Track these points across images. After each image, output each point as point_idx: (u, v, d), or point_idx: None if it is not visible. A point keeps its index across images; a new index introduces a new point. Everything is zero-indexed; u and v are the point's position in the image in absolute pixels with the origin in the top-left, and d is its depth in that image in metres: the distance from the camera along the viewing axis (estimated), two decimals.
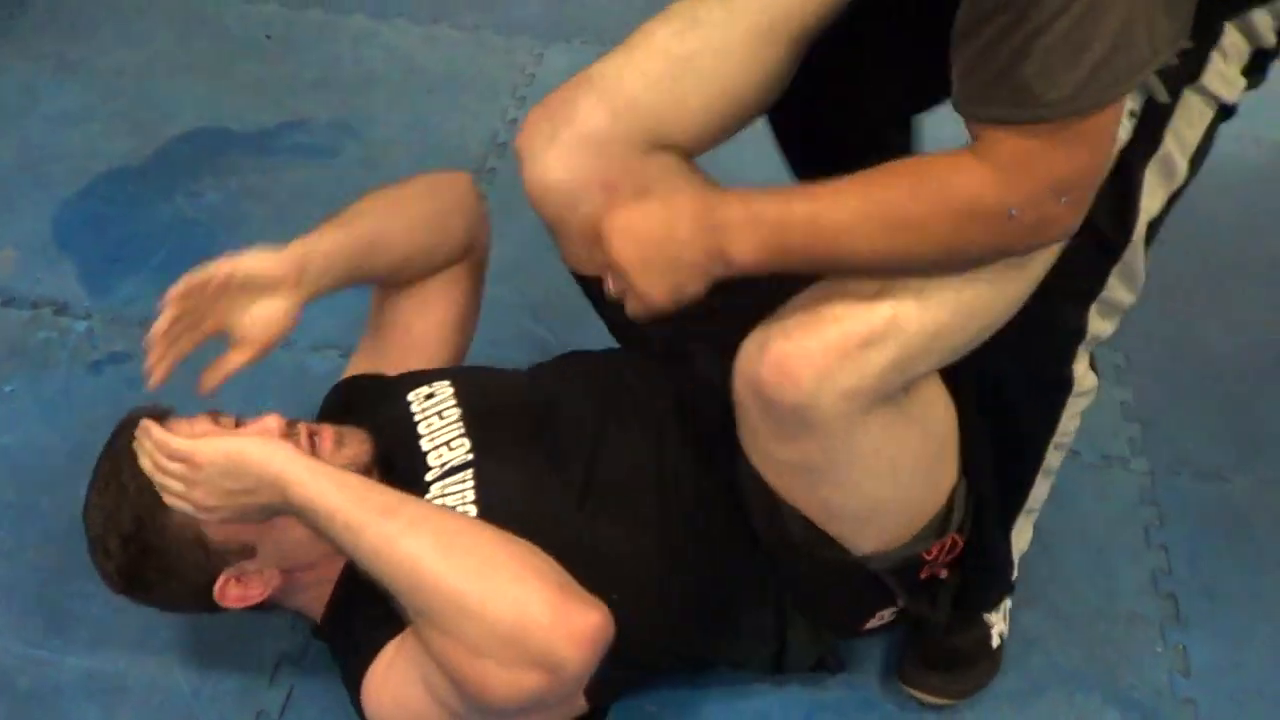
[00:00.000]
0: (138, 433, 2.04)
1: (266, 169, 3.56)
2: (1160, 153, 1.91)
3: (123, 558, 2.10)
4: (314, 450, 2.08)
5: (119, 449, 2.11)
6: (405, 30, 4.12)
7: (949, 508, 2.18)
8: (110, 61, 3.93)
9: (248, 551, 2.10)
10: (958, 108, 1.64)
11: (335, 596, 2.21)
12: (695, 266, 1.86)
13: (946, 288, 1.80)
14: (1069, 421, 2.23)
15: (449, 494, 2.16)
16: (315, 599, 2.22)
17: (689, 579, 2.19)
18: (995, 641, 2.47)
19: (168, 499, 2.00)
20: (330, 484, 1.94)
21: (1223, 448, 2.98)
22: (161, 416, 2.10)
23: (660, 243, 1.86)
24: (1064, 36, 1.49)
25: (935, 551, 2.19)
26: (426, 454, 2.23)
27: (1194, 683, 2.53)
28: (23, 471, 2.75)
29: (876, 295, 1.80)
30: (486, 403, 2.31)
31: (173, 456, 1.97)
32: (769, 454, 2.01)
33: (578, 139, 2.17)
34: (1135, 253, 2.00)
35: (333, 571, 2.19)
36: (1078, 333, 2.06)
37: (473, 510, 2.12)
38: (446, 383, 2.35)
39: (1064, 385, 2.16)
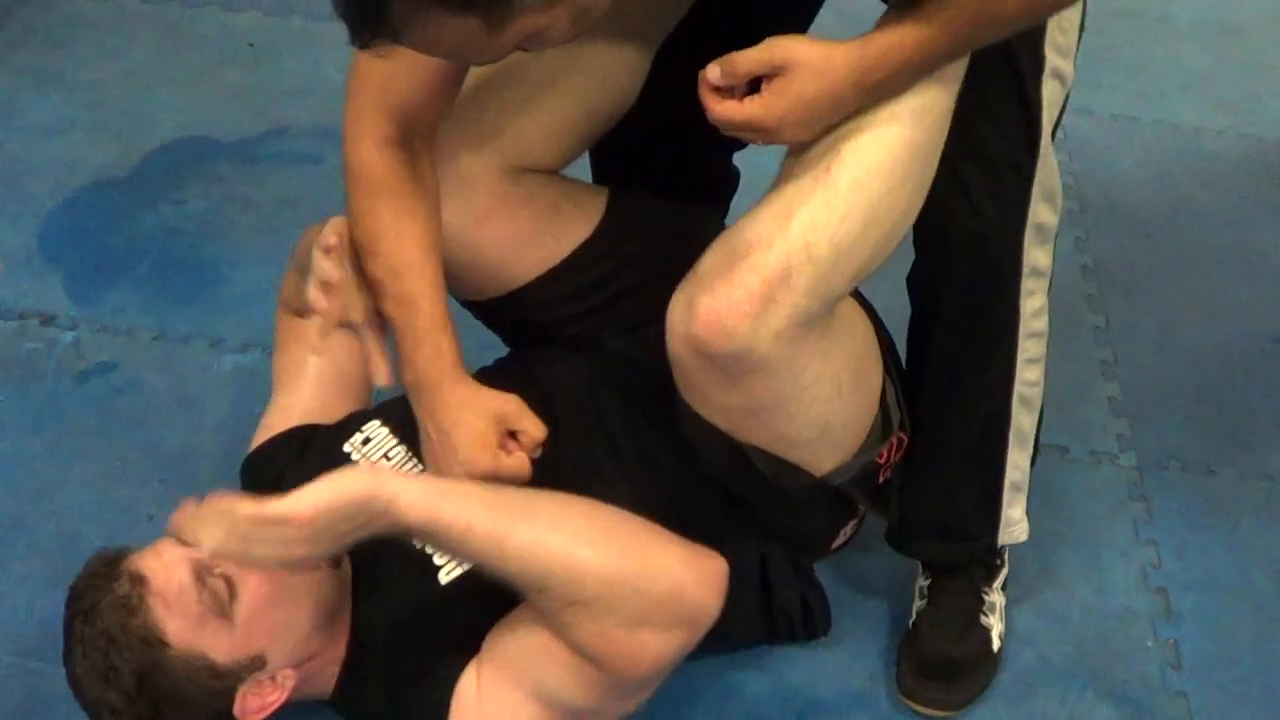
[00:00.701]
0: (206, 514, 1.85)
1: (250, 177, 3.56)
2: (1048, 67, 2.00)
3: (132, 712, 1.97)
4: None
5: (93, 606, 1.96)
6: None
7: (885, 409, 2.23)
8: (90, 73, 3.92)
9: (258, 662, 2.01)
10: None
11: (349, 666, 2.16)
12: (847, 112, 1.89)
13: (846, 200, 1.85)
14: (1028, 369, 2.26)
15: None
16: (326, 679, 2.16)
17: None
18: (996, 644, 2.47)
19: (263, 565, 1.91)
20: (452, 500, 1.90)
21: (1211, 441, 2.98)
22: (117, 557, 2.00)
23: (830, 113, 1.85)
24: None
25: (886, 454, 2.25)
26: None
27: (1186, 676, 2.54)
28: (11, 482, 2.74)
29: (782, 228, 1.84)
30: None
31: (264, 523, 1.83)
32: (719, 405, 2.01)
33: (444, 182, 2.20)
34: (1048, 169, 2.09)
35: (340, 648, 2.15)
36: (1016, 262, 2.13)
37: None
38: (376, 422, 2.32)
39: (1012, 321, 2.20)
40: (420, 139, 2.11)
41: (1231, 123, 4.00)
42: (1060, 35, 2.00)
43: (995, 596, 2.50)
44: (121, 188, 3.51)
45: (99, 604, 1.95)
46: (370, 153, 2.09)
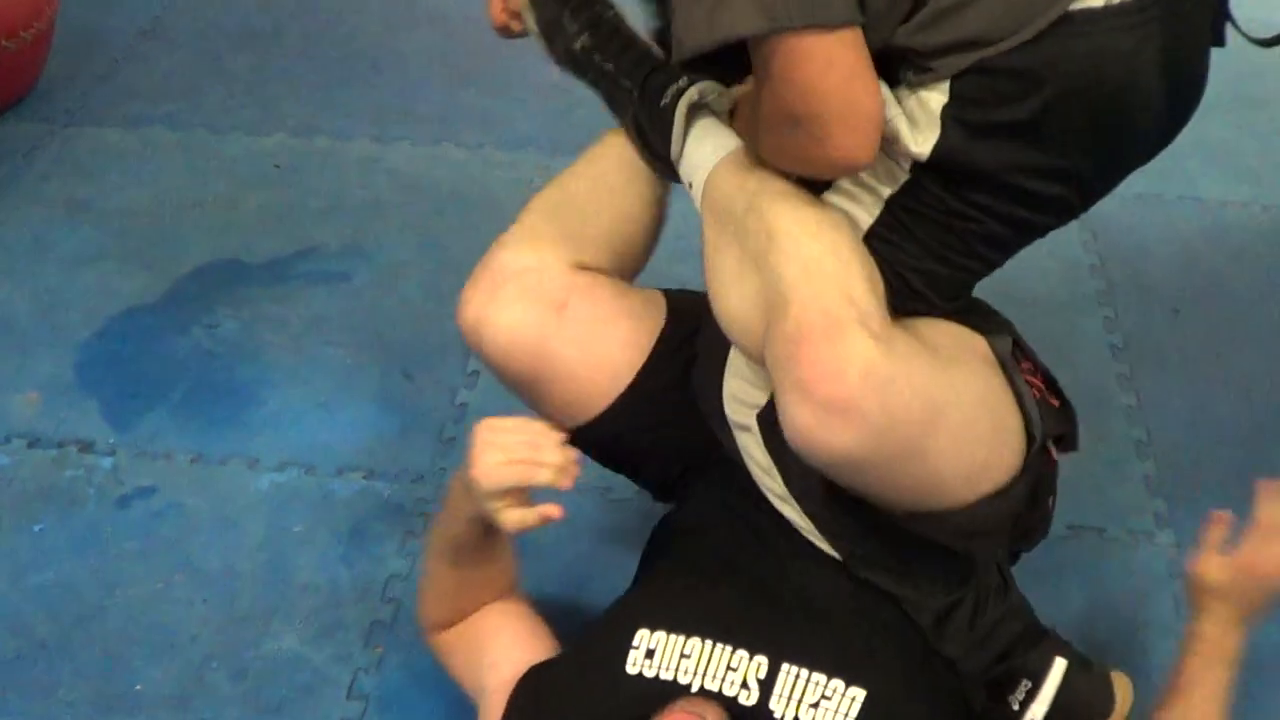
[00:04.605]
0: None
1: (280, 298, 3.59)
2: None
3: None
4: None
5: None
6: (409, 153, 4.17)
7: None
8: (120, 202, 3.96)
9: None
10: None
11: None
12: None
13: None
14: None
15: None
16: None
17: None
18: None
19: None
20: None
21: (1247, 517, 2.96)
22: None
23: None
24: None
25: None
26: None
27: None
28: (54, 608, 2.76)
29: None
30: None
31: None
32: (867, 482, 1.95)
33: (518, 284, 2.30)
34: None
35: None
36: None
37: None
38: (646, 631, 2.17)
39: None
40: None
41: (1256, 195, 4.01)
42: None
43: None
44: (154, 313, 3.54)
45: None
46: None
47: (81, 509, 2.98)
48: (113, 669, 2.64)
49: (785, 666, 2.06)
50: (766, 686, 2.06)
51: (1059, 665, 2.11)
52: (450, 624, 2.39)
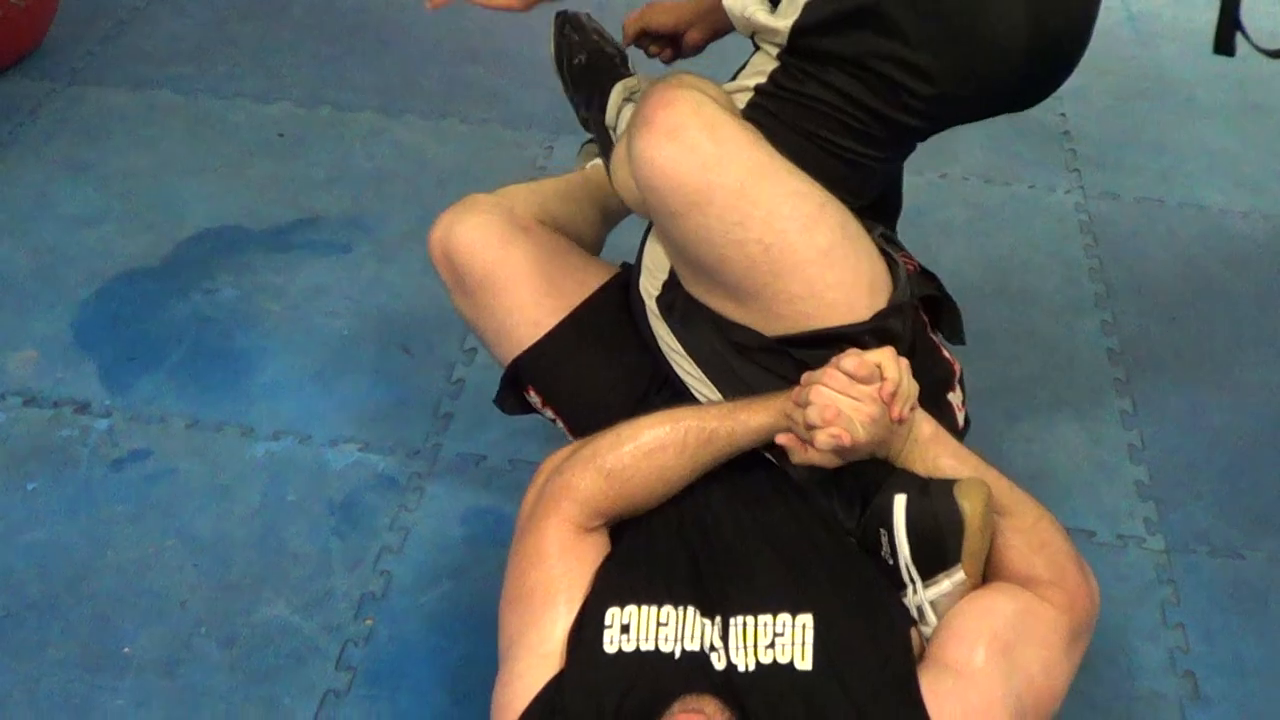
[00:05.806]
0: None
1: (281, 266, 3.59)
2: None
3: None
4: None
5: None
6: (414, 126, 4.17)
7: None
8: (123, 164, 3.96)
9: None
10: None
11: None
12: None
13: None
14: None
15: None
16: None
17: None
18: None
19: None
20: None
21: (1238, 524, 2.98)
22: None
23: None
24: None
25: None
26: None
27: None
28: (46, 568, 2.76)
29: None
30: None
31: None
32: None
33: (489, 202, 2.62)
34: None
35: None
36: None
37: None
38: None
39: None
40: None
41: (1257, 204, 4.02)
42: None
43: None
44: (154, 277, 3.54)
45: None
46: None
47: (75, 469, 2.98)
48: (102, 631, 2.64)
49: (733, 619, 2.07)
50: (725, 644, 2.06)
51: (899, 502, 2.12)
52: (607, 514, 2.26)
